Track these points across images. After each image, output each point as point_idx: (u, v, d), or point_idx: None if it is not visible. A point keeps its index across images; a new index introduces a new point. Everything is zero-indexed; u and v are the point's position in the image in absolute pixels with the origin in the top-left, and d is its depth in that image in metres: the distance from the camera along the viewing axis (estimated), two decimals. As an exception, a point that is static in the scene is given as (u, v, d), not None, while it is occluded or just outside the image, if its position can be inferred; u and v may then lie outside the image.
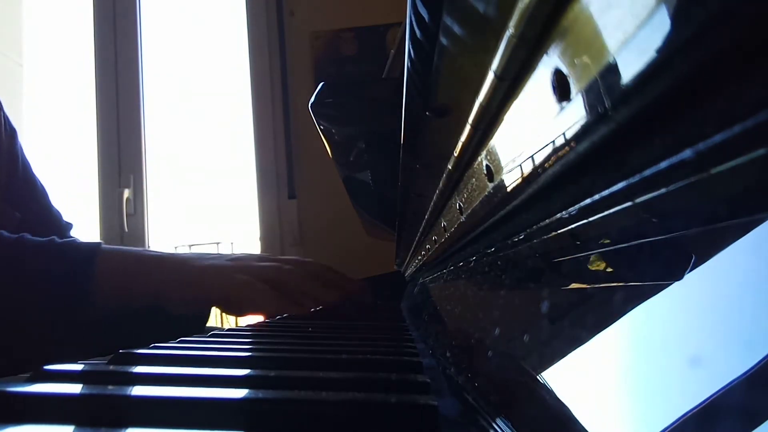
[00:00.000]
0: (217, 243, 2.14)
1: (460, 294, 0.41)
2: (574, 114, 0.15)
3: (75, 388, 0.18)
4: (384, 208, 0.88)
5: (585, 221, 0.18)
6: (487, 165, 0.25)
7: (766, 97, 0.09)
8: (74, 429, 0.15)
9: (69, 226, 0.87)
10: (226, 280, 0.66)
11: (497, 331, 0.26)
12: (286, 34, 1.89)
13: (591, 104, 0.14)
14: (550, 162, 0.17)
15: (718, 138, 0.10)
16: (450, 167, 0.32)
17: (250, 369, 0.24)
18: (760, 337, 0.09)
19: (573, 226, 0.19)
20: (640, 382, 0.13)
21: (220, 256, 0.73)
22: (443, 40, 0.23)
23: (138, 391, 0.18)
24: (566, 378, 0.17)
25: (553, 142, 0.17)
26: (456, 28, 0.22)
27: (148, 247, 1.88)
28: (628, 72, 0.12)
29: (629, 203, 0.15)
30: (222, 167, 2.13)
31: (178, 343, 0.33)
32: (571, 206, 0.18)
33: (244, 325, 0.58)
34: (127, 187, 1.92)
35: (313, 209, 1.81)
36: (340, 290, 0.73)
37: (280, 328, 0.47)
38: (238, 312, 0.71)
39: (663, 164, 0.12)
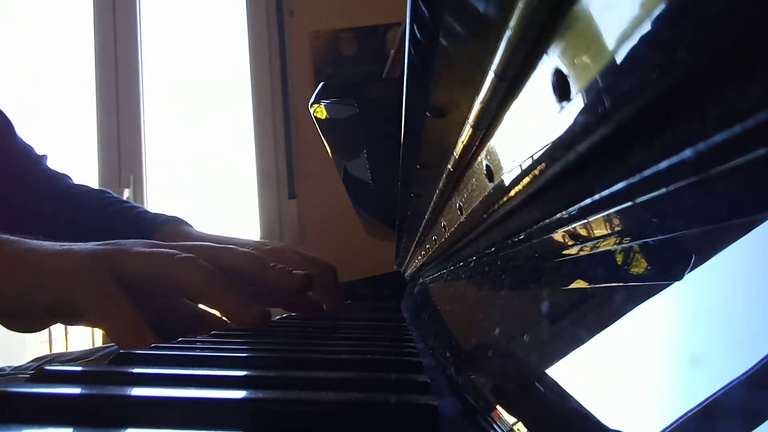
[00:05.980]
0: (217, 243, 2.14)
1: (460, 294, 0.41)
2: (575, 114, 0.15)
3: (75, 389, 0.18)
4: (384, 208, 0.88)
5: (585, 221, 0.18)
6: (487, 165, 0.25)
7: (766, 97, 0.09)
8: (74, 430, 0.15)
9: (43, 158, 0.83)
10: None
11: (497, 330, 0.26)
12: (286, 34, 1.89)
13: (591, 104, 0.14)
14: (550, 162, 0.17)
15: (718, 138, 0.10)
16: (450, 167, 0.32)
17: (250, 369, 0.24)
18: (760, 337, 0.09)
19: (573, 226, 0.19)
20: (640, 382, 0.13)
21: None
22: (443, 40, 0.23)
23: (138, 391, 0.18)
24: (566, 378, 0.17)
25: (553, 142, 0.17)
26: (456, 28, 0.22)
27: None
28: (628, 72, 0.12)
29: (629, 203, 0.15)
30: (222, 167, 2.13)
31: (178, 343, 0.33)
32: (571, 206, 0.18)
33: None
34: (127, 187, 1.92)
35: (313, 209, 1.81)
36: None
37: (280, 328, 0.47)
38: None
39: (663, 164, 0.12)
